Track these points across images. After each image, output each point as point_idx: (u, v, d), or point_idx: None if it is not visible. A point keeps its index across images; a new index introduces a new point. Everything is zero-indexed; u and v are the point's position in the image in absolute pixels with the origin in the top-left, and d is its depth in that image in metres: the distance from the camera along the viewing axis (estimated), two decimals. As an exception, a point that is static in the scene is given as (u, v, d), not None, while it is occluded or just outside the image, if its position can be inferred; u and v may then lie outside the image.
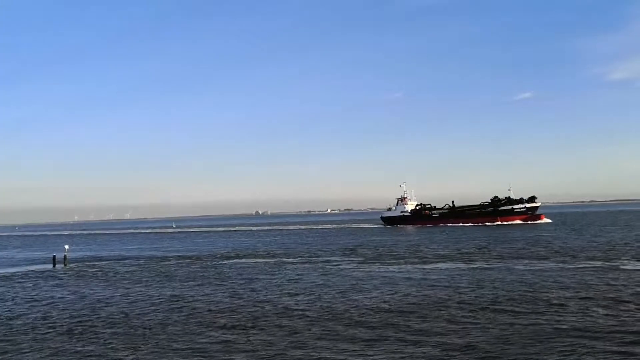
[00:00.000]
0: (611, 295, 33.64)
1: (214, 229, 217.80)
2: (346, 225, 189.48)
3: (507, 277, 43.49)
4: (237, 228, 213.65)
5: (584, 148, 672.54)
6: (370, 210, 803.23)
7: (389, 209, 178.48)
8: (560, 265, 50.20)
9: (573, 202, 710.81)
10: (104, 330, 29.19)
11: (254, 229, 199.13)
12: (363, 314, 30.94)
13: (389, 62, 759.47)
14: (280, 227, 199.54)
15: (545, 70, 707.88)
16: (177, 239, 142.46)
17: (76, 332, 29.13)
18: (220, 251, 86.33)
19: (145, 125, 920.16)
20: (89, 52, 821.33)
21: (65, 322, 32.06)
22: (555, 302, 32.14)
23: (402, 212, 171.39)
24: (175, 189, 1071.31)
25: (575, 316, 28.20)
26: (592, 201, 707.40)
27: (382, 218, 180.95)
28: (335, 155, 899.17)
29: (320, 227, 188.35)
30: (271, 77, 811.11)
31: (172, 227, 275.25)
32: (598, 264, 50.06)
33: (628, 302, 31.45)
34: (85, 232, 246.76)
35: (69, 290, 45.75)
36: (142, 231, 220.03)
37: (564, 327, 26.04)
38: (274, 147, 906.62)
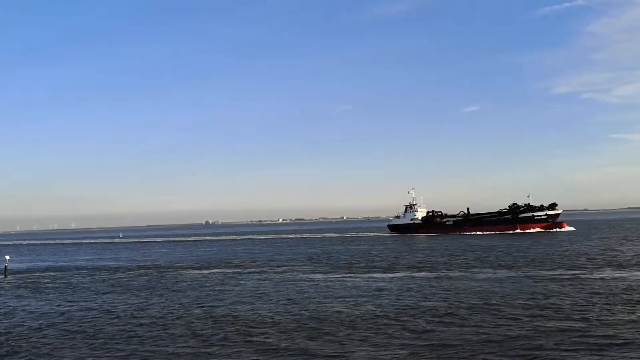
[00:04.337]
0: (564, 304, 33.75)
1: (169, 239, 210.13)
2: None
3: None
4: (203, 238, 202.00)
5: (529, 160, 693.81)
6: (322, 220, 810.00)
7: (397, 217, 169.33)
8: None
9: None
10: (39, 345, 27.72)
11: (243, 237, 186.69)
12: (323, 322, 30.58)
13: (338, 74, 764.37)
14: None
15: (490, 84, 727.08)
16: (126, 249, 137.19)
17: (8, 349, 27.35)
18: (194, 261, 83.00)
19: (87, 133, 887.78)
20: (18, 56, 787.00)
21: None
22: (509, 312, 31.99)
23: (412, 219, 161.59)
24: (121, 198, 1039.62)
25: (523, 326, 28.07)
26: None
27: (390, 226, 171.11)
28: (285, 165, 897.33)
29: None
30: (219, 86, 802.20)
31: (118, 237, 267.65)
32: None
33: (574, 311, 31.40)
34: (29, 242, 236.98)
35: (6, 304, 43.05)
36: (88, 241, 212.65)
37: (513, 334, 26.15)
38: (222, 156, 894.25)
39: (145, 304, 40.01)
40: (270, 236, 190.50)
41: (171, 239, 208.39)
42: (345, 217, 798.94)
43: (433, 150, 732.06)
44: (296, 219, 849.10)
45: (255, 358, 23.86)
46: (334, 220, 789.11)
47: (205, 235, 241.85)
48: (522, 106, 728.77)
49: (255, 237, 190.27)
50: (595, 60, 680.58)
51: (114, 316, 35.12)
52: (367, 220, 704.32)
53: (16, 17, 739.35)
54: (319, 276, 54.60)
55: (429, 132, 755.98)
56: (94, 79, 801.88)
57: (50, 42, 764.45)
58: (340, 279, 51.80)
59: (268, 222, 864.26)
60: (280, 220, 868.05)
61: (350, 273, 56.53)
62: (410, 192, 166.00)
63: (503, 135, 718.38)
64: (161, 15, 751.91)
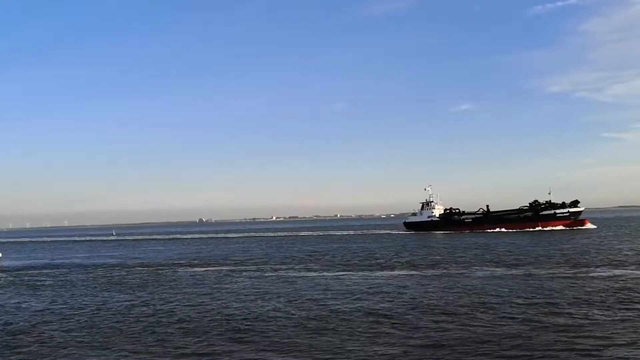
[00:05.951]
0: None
1: (163, 236, 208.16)
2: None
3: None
4: (198, 236, 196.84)
5: (522, 159, 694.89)
6: (316, 218, 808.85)
7: (414, 214, 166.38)
8: None
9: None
10: (33, 343, 27.40)
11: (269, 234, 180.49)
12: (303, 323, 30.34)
13: (333, 72, 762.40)
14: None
15: (483, 83, 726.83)
16: (120, 247, 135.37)
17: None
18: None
19: (83, 131, 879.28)
20: (17, 56, 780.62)
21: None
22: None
23: (429, 217, 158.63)
24: (115, 196, 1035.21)
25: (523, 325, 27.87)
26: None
27: (406, 224, 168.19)
28: (279, 164, 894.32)
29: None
30: (216, 86, 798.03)
31: (112, 234, 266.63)
32: None
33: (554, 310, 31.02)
34: (22, 239, 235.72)
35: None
36: (81, 239, 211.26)
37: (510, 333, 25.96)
38: (216, 155, 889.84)
39: (140, 301, 39.51)
40: (265, 234, 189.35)
41: (165, 236, 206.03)
42: (339, 215, 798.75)
43: (428, 149, 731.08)
44: (290, 217, 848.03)
45: (253, 357, 23.71)
46: (327, 218, 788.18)
47: (200, 233, 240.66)
48: (514, 105, 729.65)
49: (249, 234, 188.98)
50: (588, 59, 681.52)
51: (109, 314, 34.85)
52: (361, 218, 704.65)
53: (16, 17, 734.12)
54: (329, 274, 53.87)
55: (423, 131, 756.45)
56: (93, 79, 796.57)
57: (50, 42, 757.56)
58: (358, 277, 51.06)
59: (262, 219, 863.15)
60: (274, 218, 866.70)
61: (372, 271, 55.23)
62: (427, 189, 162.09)
63: (496, 134, 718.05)
64: (161, 15, 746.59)
